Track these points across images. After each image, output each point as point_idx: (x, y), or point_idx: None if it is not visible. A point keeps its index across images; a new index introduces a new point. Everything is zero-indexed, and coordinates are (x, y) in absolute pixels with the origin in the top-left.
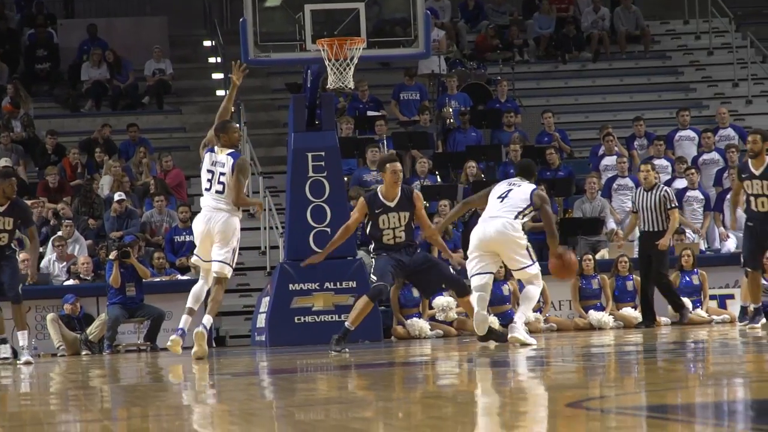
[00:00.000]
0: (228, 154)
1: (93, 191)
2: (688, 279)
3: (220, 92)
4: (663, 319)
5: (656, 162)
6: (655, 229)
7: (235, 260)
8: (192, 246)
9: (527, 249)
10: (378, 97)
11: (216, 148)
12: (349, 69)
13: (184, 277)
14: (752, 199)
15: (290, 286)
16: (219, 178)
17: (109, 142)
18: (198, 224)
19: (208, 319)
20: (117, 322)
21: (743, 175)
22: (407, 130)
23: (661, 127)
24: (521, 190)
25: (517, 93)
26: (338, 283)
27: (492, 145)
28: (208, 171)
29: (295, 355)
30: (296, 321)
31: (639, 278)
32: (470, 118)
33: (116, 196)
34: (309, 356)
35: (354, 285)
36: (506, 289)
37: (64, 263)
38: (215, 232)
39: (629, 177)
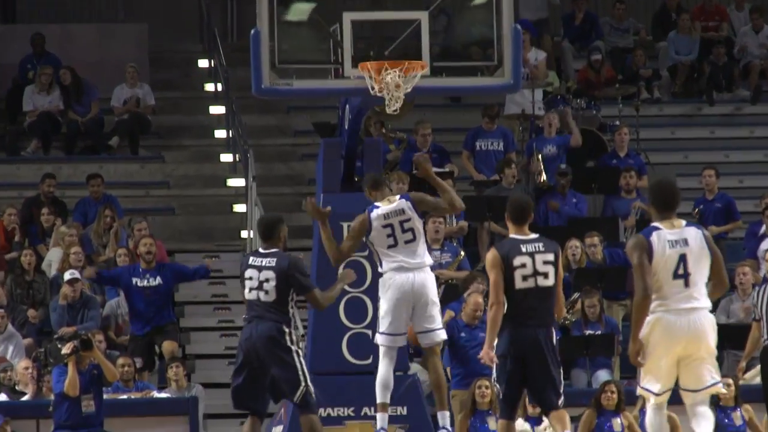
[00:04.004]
0: (401, 197)
1: (33, 269)
2: None
3: (219, 133)
4: None
5: None
6: None
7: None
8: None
9: None
10: (444, 145)
11: (378, 203)
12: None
13: (163, 395)
14: None
15: None
16: (404, 226)
17: (59, 201)
18: (392, 290)
19: (444, 417)
20: None
21: None
22: (484, 193)
23: None
24: None
25: (643, 145)
26: None
27: (604, 218)
28: (385, 227)
29: None
30: None
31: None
32: (572, 178)
33: (67, 276)
34: None
35: (404, 411)
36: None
37: None
38: (417, 292)
39: None
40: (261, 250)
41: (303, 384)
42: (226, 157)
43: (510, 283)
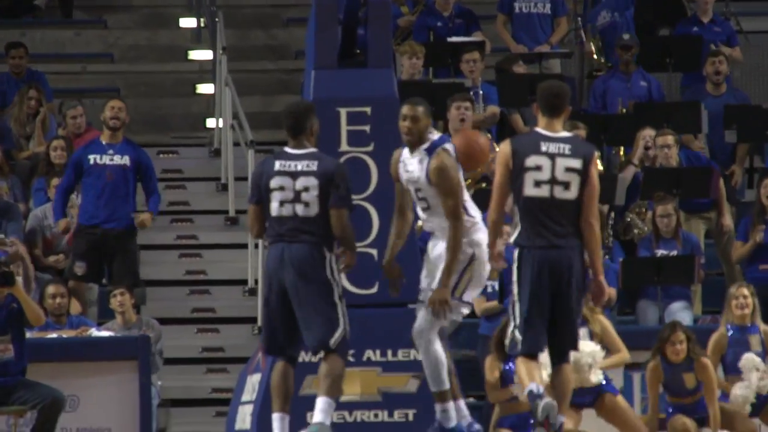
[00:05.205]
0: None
1: None
2: None
3: None
4: None
5: None
6: None
7: None
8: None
9: None
10: (471, 8)
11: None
12: None
13: (104, 333)
14: None
15: (301, 355)
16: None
17: None
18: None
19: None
20: None
21: None
22: (526, 70)
23: None
24: None
25: (734, 7)
26: (390, 353)
27: (683, 103)
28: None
29: None
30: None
31: None
32: (639, 52)
33: None
34: None
35: (419, 355)
36: None
37: None
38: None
39: None
40: (290, 150)
41: (342, 326)
42: (187, 22)
43: (519, 188)
